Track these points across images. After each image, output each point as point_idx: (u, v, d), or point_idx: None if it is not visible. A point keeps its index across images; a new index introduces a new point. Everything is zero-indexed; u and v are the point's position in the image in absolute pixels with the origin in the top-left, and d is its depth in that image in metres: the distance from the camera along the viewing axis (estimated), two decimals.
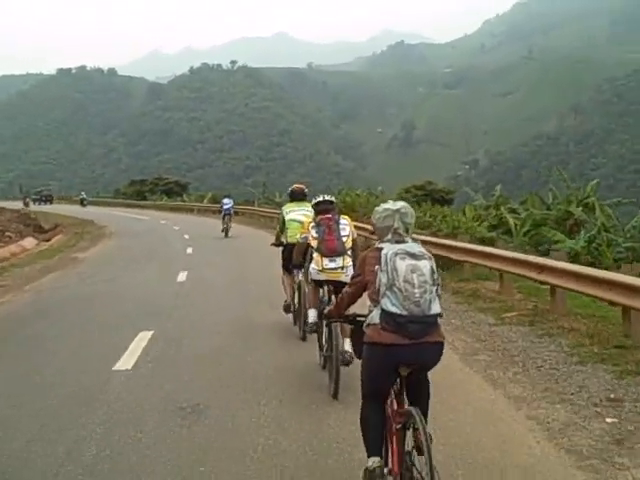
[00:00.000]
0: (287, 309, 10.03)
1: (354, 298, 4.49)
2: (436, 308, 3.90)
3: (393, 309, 3.82)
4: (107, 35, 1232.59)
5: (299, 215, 9.56)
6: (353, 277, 4.48)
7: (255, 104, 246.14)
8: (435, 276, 3.92)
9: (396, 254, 3.88)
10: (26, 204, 61.80)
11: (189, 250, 21.81)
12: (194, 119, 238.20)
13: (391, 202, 4.34)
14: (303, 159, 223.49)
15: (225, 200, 30.49)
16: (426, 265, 3.90)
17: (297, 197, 10.05)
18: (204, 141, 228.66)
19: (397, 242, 4.03)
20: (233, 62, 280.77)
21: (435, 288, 3.91)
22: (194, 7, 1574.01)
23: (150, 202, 63.29)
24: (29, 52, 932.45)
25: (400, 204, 4.26)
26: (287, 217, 9.80)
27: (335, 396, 6.36)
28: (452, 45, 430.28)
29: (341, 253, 7.20)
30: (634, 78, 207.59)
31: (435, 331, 3.93)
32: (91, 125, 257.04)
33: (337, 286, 7.02)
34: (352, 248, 7.37)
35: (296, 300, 9.56)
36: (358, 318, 4.49)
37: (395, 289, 3.82)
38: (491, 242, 16.21)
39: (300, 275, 9.16)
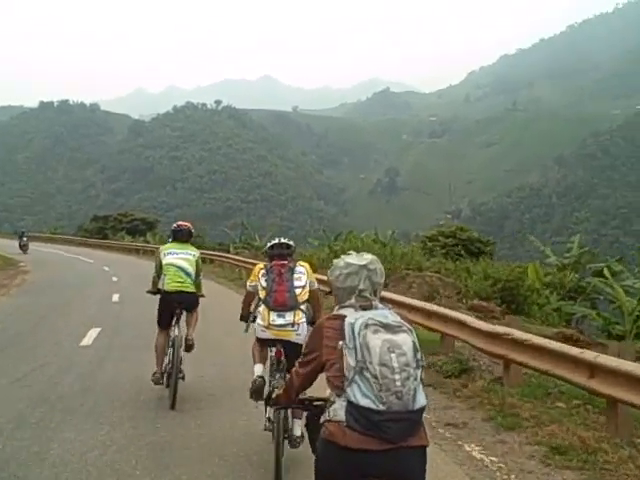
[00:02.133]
0: (157, 381, 8.17)
1: (306, 381, 3.48)
2: (422, 399, 3.03)
3: (365, 402, 2.91)
4: (92, 72, 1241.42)
5: (178, 259, 8.29)
6: (305, 354, 3.41)
7: (238, 145, 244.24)
8: (419, 355, 3.07)
9: (366, 325, 3.02)
10: None
11: (88, 338, 12.57)
12: (175, 158, 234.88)
13: (355, 254, 3.47)
14: (285, 202, 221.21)
15: None
16: (406, 340, 3.04)
17: (181, 237, 8.54)
18: (184, 180, 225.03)
19: (363, 308, 3.20)
20: (218, 102, 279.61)
21: (419, 372, 3.04)
22: (180, 47, 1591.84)
23: (102, 242, 56.85)
24: (12, 84, 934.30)
25: (368, 258, 3.42)
26: (164, 260, 8.34)
27: None
28: (437, 95, 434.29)
29: (292, 307, 6.13)
30: (618, 133, 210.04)
31: (419, 432, 3.04)
32: (71, 160, 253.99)
33: (287, 347, 6.00)
34: (308, 302, 6.31)
35: (167, 361, 8.11)
36: (315, 403, 3.52)
37: (368, 374, 2.93)
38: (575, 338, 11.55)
39: (176, 330, 8.14)
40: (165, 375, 8.10)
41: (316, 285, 6.50)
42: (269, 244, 6.59)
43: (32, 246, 45.44)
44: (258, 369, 6.32)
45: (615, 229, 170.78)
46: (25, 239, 45.27)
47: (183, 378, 7.92)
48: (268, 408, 5.87)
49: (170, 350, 8.10)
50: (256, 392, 6.13)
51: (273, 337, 6.13)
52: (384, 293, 12.79)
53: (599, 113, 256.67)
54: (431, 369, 9.31)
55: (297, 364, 3.53)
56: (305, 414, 3.63)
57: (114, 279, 26.48)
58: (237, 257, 32.35)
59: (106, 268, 32.10)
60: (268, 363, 6.31)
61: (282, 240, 6.51)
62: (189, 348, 8.29)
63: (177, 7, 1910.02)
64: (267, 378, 6.13)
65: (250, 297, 6.73)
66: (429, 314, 10.37)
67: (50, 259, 39.01)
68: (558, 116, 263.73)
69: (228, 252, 39.32)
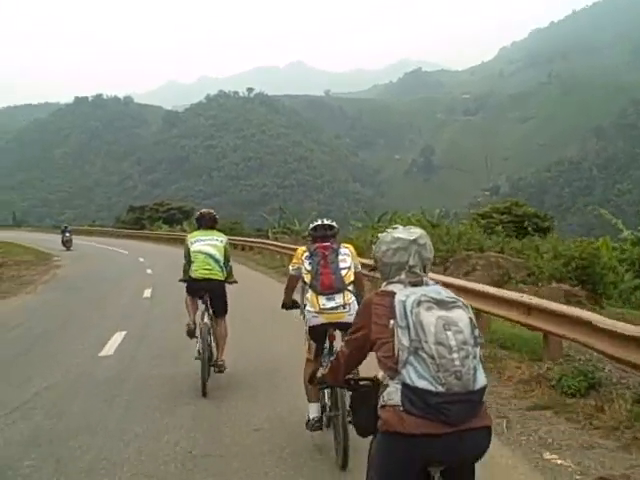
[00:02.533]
0: (191, 333, 8.23)
1: (354, 362, 3.34)
2: (482, 379, 2.84)
3: (422, 384, 2.74)
4: (125, 66, 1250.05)
5: (206, 246, 8.27)
6: (352, 332, 3.23)
7: (272, 131, 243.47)
8: (476, 332, 2.88)
9: (419, 302, 2.83)
10: None
11: (111, 345, 10.74)
12: (210, 146, 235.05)
13: (401, 228, 3.29)
14: (321, 186, 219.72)
15: None
16: (462, 317, 2.87)
17: (205, 224, 8.54)
18: (220, 168, 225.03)
19: (413, 284, 3.04)
20: (250, 89, 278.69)
21: (478, 350, 2.86)
22: (210, 38, 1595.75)
23: (139, 232, 55.64)
24: (48, 82, 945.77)
25: (417, 232, 3.22)
26: (192, 248, 8.31)
27: (344, 467, 5.29)
28: (470, 72, 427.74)
29: (340, 289, 5.85)
30: None
31: (481, 412, 2.86)
32: (107, 153, 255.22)
33: (342, 328, 5.65)
34: (353, 282, 6.02)
35: (198, 345, 7.91)
36: (361, 382, 3.33)
37: (423, 354, 2.76)
38: None
39: (206, 317, 8.10)
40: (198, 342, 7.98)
41: (360, 267, 6.21)
42: (312, 225, 6.28)
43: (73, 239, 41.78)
44: (313, 410, 5.86)
45: None
46: (68, 234, 40.62)
47: (215, 367, 7.99)
48: (325, 401, 5.80)
49: (199, 338, 7.92)
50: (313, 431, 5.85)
51: (326, 321, 5.80)
52: (459, 282, 10.82)
53: (636, 83, 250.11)
54: (543, 384, 7.12)
55: (344, 342, 3.39)
56: (350, 394, 3.46)
57: (148, 271, 24.91)
58: (277, 243, 30.16)
59: (141, 259, 30.69)
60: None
61: (325, 221, 6.23)
62: (220, 370, 8.11)
63: None
64: (322, 411, 5.84)
65: (293, 281, 6.46)
66: (528, 308, 8.22)
67: (86, 252, 37.33)
68: (593, 87, 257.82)
69: (267, 238, 37.36)
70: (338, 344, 5.30)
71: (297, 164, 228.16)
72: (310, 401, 5.92)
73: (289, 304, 6.58)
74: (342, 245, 6.16)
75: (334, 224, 6.25)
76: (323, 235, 6.11)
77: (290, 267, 6.41)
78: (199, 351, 7.77)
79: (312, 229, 6.22)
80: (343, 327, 5.59)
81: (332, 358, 3.69)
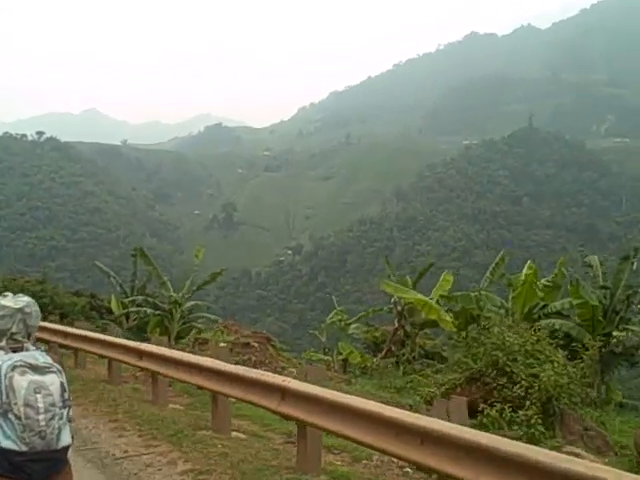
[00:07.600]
0: None
1: None
2: (66, 439, 3.09)
3: (7, 444, 2.94)
4: None
5: None
6: None
7: (63, 179, 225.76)
8: (66, 395, 3.14)
9: (14, 367, 3.04)
10: None
11: None
12: None
13: (11, 296, 3.42)
14: (116, 240, 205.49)
15: None
16: (54, 381, 3.11)
17: None
18: (1, 218, 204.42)
19: (13, 350, 3.22)
20: (40, 133, 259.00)
21: (66, 411, 3.11)
22: None
23: None
24: None
25: (24, 300, 3.38)
26: None
27: None
28: (270, 130, 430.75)
29: None
30: (452, 166, 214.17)
31: (63, 469, 3.13)
32: None
33: None
34: None
35: None
36: None
37: (11, 416, 2.95)
38: None
39: None
40: None
41: None
42: None
43: None
44: None
45: (455, 261, 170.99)
46: None
47: None
48: None
49: None
50: None
51: None
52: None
53: (430, 147, 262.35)
54: None
55: None
56: None
57: None
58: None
59: None
60: None
61: None
62: None
63: None
64: None
65: None
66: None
67: None
68: (391, 150, 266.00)
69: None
70: None
71: (90, 216, 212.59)
72: None
73: None
74: None
75: None
76: None
77: None
78: None
79: None
80: None
81: None
